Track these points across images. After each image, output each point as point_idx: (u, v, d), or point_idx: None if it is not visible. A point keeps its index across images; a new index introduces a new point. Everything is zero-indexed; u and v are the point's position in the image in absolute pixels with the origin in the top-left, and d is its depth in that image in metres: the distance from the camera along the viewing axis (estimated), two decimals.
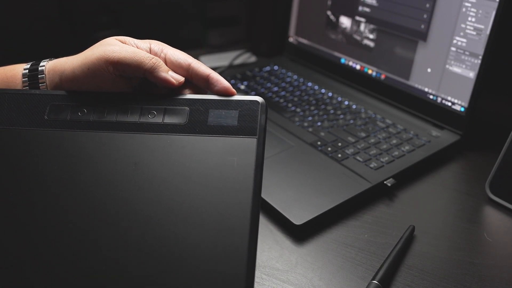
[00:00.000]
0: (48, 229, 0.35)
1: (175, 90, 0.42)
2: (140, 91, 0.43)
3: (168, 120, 0.39)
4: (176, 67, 0.42)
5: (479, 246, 0.52)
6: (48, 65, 0.42)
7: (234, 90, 0.41)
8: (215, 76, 0.41)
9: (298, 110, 0.76)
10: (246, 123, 0.38)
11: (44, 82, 0.42)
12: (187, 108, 0.40)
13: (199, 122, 0.39)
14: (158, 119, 0.39)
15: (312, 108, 0.77)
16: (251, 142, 0.37)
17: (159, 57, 0.42)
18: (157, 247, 0.34)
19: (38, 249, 0.35)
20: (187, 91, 0.42)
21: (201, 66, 0.41)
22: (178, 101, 0.40)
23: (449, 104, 0.69)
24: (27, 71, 0.42)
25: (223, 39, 1.04)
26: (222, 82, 0.41)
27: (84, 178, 0.37)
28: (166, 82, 0.41)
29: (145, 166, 0.37)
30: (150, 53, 0.42)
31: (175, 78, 0.41)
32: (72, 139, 0.38)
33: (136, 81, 0.43)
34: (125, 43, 0.42)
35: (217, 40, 1.03)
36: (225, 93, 0.40)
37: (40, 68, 0.42)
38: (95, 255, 0.34)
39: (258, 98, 0.40)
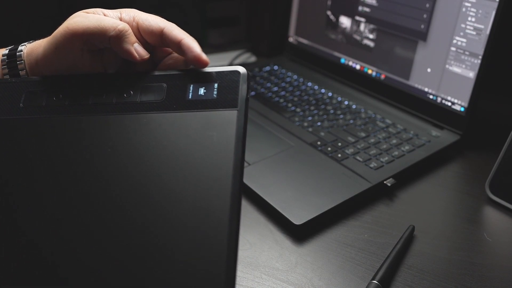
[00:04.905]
0: (22, 217, 0.34)
1: (151, 67, 0.40)
2: (117, 71, 0.42)
3: (145, 98, 0.38)
4: (148, 35, 0.39)
5: (479, 246, 0.52)
6: (26, 50, 0.40)
7: (206, 59, 0.37)
8: (187, 42, 0.37)
9: (298, 110, 0.76)
10: (226, 95, 0.37)
11: (23, 68, 0.40)
12: (164, 84, 0.38)
13: (177, 98, 0.37)
14: (135, 98, 0.38)
15: (312, 108, 0.77)
16: (231, 115, 0.36)
17: (131, 26, 0.39)
18: (134, 230, 0.33)
19: (17, 235, 0.34)
20: (166, 64, 0.40)
21: (173, 30, 0.38)
22: (155, 78, 0.39)
23: (449, 104, 0.69)
24: (5, 57, 0.41)
25: (223, 39, 1.04)
26: (194, 49, 0.37)
27: (58, 163, 0.36)
28: (128, 55, 0.38)
29: (121, 148, 0.35)
30: None
31: (139, 53, 0.38)
32: (47, 125, 0.37)
33: (111, 57, 0.41)
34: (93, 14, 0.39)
35: (217, 40, 1.03)
36: (196, 62, 0.37)
37: (18, 53, 0.40)
38: (72, 241, 0.33)
39: (239, 68, 0.38)
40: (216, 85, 0.37)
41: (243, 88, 0.37)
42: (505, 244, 0.53)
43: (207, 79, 0.38)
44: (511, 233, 0.54)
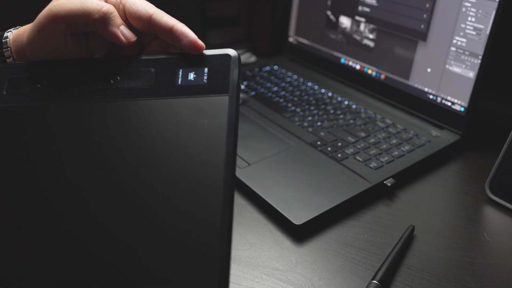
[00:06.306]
0: (10, 210, 0.33)
1: (139, 49, 0.39)
2: (103, 56, 0.40)
3: (133, 84, 0.36)
4: (135, 20, 0.37)
5: (479, 246, 0.52)
6: (12, 36, 0.39)
7: (202, 44, 0.36)
8: (180, 28, 0.36)
9: (298, 110, 0.76)
10: (217, 80, 0.35)
11: (10, 56, 0.39)
12: (152, 69, 0.37)
13: (166, 83, 0.36)
14: (122, 84, 0.36)
15: (312, 108, 0.77)
16: (222, 101, 0.34)
17: (118, 9, 0.37)
18: (123, 229, 0.32)
19: (8, 226, 0.33)
20: (154, 46, 0.39)
21: (163, 17, 0.37)
22: (142, 63, 0.37)
23: (449, 104, 0.69)
24: None
25: (223, 39, 1.04)
26: (188, 34, 0.36)
27: (44, 153, 0.34)
28: (114, 39, 0.36)
29: (109, 137, 0.34)
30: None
31: (126, 36, 0.37)
32: (31, 113, 0.36)
33: (96, 41, 0.39)
34: None
35: (217, 40, 1.03)
36: (192, 47, 0.36)
37: (4, 40, 0.39)
38: (60, 232, 0.32)
39: (230, 51, 0.36)
40: (206, 69, 0.36)
41: (234, 72, 0.35)
42: (505, 244, 0.53)
43: (197, 63, 0.36)
44: (511, 233, 0.54)
